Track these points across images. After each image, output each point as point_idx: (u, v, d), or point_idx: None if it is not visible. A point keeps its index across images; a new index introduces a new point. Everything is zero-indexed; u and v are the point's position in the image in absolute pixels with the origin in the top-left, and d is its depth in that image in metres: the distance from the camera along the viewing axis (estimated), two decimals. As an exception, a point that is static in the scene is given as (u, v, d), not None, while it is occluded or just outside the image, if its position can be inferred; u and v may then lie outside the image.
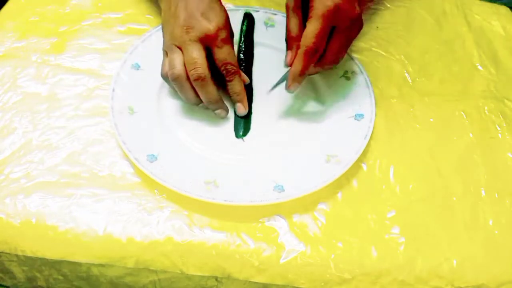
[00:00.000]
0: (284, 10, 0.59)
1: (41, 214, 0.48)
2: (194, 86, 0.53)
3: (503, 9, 0.74)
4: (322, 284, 0.48)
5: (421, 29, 0.70)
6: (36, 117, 0.55)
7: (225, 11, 0.56)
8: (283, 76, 0.56)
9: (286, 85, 0.55)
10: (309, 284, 0.48)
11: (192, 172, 0.51)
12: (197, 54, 0.52)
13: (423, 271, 0.48)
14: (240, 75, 0.55)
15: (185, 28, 0.53)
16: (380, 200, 0.52)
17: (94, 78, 0.59)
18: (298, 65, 0.53)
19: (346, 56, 0.61)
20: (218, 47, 0.53)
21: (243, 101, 0.56)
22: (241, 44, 0.62)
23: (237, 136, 0.55)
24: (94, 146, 0.53)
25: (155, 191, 0.51)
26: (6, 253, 0.48)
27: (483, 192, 0.54)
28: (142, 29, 0.64)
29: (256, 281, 0.48)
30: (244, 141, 0.55)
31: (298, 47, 0.52)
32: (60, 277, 0.50)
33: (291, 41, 0.57)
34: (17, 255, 0.48)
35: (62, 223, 0.48)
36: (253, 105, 0.58)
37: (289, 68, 0.55)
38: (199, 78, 0.52)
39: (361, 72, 0.60)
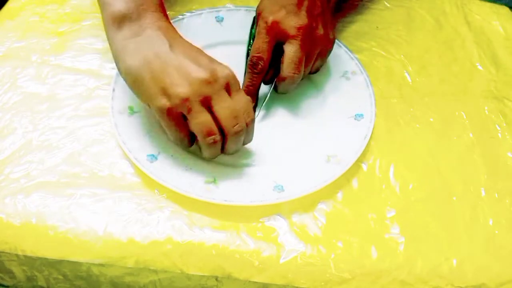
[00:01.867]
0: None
1: (41, 214, 0.48)
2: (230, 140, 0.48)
3: (503, 9, 0.74)
4: (322, 284, 0.48)
5: (421, 29, 0.70)
6: (36, 117, 0.55)
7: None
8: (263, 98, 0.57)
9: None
10: (309, 284, 0.48)
11: (192, 172, 0.51)
12: (207, 119, 0.45)
13: (423, 271, 0.48)
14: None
15: (210, 76, 0.45)
16: (380, 200, 0.52)
17: (94, 78, 0.59)
18: (246, 78, 0.55)
19: (346, 56, 0.61)
20: (237, 92, 0.47)
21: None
22: (249, 48, 0.60)
23: None
24: (94, 146, 0.53)
25: (155, 191, 0.51)
26: (6, 253, 0.48)
27: (483, 192, 0.54)
28: (142, 29, 0.64)
29: (256, 281, 0.48)
30: None
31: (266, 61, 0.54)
32: (60, 277, 0.50)
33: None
34: (17, 255, 0.48)
35: (62, 223, 0.48)
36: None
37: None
38: (213, 143, 0.47)
39: (361, 72, 0.60)
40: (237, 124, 0.46)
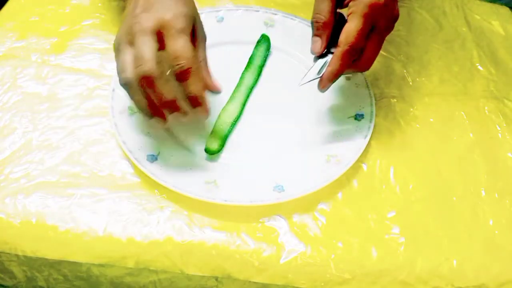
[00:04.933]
0: (284, 10, 0.59)
1: (41, 214, 0.48)
2: (142, 87, 0.44)
3: (503, 9, 0.74)
4: (322, 284, 0.48)
5: (421, 29, 0.70)
6: (36, 117, 0.55)
7: (194, 12, 0.49)
8: (315, 70, 0.51)
9: (318, 84, 0.51)
10: (309, 284, 0.48)
11: (192, 172, 0.51)
12: (146, 48, 0.43)
13: (423, 271, 0.48)
14: (197, 73, 0.45)
15: (137, 18, 0.45)
16: (380, 200, 0.52)
17: (94, 78, 0.59)
18: (336, 65, 0.48)
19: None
20: (171, 37, 0.44)
21: (203, 105, 0.47)
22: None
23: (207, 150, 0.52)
24: (94, 146, 0.53)
25: (155, 191, 0.51)
26: (6, 253, 0.48)
27: (483, 192, 0.54)
28: (142, 29, 0.64)
29: (256, 281, 0.48)
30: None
31: (326, 36, 0.48)
32: (60, 277, 0.50)
33: (319, 27, 0.49)
34: (17, 255, 0.48)
35: (62, 223, 0.48)
36: (253, 105, 0.58)
37: (317, 60, 0.50)
38: (144, 76, 0.43)
39: (361, 72, 0.60)
40: (140, 65, 0.43)
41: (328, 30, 0.49)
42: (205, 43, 0.52)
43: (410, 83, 0.63)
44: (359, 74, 0.60)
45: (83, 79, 0.59)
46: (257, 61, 0.60)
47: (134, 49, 0.44)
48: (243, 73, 0.59)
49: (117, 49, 0.46)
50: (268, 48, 0.62)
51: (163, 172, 0.50)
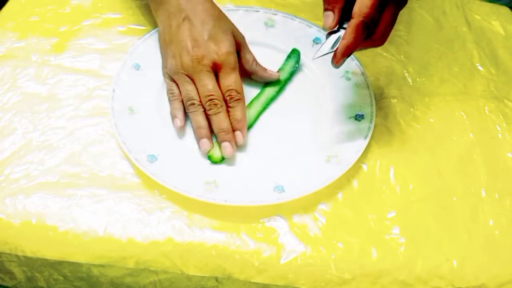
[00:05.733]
0: (284, 10, 0.59)
1: (41, 214, 0.48)
2: (210, 115, 0.53)
3: (503, 9, 0.74)
4: (323, 284, 0.48)
5: (421, 29, 0.70)
6: (36, 117, 0.55)
7: (231, 29, 0.56)
8: (328, 45, 0.49)
9: (332, 60, 0.49)
10: (310, 284, 0.48)
11: (192, 172, 0.51)
12: (211, 85, 0.53)
13: (423, 271, 0.48)
14: (244, 103, 0.55)
15: (195, 57, 0.53)
16: (380, 200, 0.52)
17: (94, 78, 0.59)
18: (350, 38, 0.46)
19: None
20: (225, 73, 0.54)
21: (242, 129, 0.54)
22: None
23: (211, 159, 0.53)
24: (94, 146, 0.53)
25: (155, 191, 0.51)
26: (6, 253, 0.48)
27: (483, 192, 0.54)
28: (142, 29, 0.64)
29: (257, 282, 0.48)
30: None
31: (339, 9, 0.47)
32: (60, 278, 0.50)
33: (331, 1, 0.48)
34: (17, 256, 0.48)
35: (62, 223, 0.48)
36: (253, 105, 0.58)
37: (329, 37, 0.49)
38: (215, 108, 0.53)
39: (361, 72, 0.60)
40: (211, 99, 0.53)
41: (340, 4, 0.48)
42: (246, 44, 0.58)
43: (410, 83, 0.63)
44: (359, 74, 0.60)
45: (83, 79, 0.59)
46: (283, 76, 0.60)
47: (197, 84, 0.54)
48: (265, 86, 0.59)
49: (177, 79, 0.55)
50: (297, 62, 0.61)
51: (163, 172, 0.50)
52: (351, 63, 0.61)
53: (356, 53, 0.63)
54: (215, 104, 0.53)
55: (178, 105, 0.54)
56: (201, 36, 0.54)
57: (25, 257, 0.48)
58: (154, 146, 0.52)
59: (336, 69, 0.60)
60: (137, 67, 0.58)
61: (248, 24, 0.64)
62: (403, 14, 0.70)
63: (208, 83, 0.53)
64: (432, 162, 0.56)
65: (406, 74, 0.63)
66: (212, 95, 0.53)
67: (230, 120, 0.54)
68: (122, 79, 0.56)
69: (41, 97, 0.57)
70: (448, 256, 0.49)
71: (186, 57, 0.53)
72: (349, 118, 0.56)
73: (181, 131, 0.54)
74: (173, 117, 0.54)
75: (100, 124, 0.55)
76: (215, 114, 0.53)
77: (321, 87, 0.60)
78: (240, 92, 0.54)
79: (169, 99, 0.55)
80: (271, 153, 0.54)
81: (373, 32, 0.48)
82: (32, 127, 0.54)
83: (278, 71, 0.60)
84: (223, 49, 0.54)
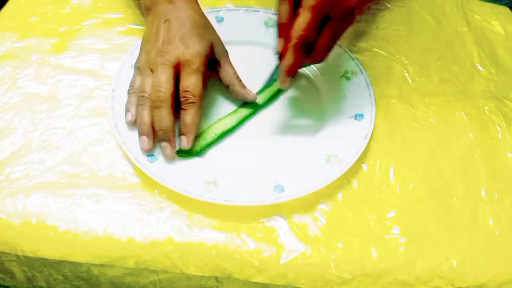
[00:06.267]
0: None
1: (41, 214, 0.48)
2: (152, 108, 0.51)
3: (503, 9, 0.74)
4: (323, 284, 0.48)
5: (421, 29, 0.70)
6: (36, 117, 0.55)
7: (210, 39, 0.55)
8: (270, 76, 0.54)
9: (278, 81, 0.53)
10: (310, 284, 0.48)
11: (192, 172, 0.51)
12: (164, 78, 0.51)
13: (423, 271, 0.48)
14: (198, 107, 0.52)
15: (160, 51, 0.52)
16: (380, 200, 0.52)
17: (94, 78, 0.59)
18: (289, 59, 0.50)
19: (346, 56, 0.61)
20: (186, 74, 0.52)
21: (188, 134, 0.51)
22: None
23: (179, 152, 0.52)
24: (94, 146, 0.53)
25: (155, 191, 0.51)
26: (6, 253, 0.48)
27: (483, 192, 0.54)
28: (142, 30, 0.64)
29: (256, 281, 0.48)
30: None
31: (288, 36, 0.50)
32: (60, 277, 0.50)
33: (282, 29, 0.52)
34: (17, 255, 0.48)
35: (62, 223, 0.48)
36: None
37: (276, 65, 0.52)
38: (158, 100, 0.51)
39: (361, 72, 0.60)
40: (158, 91, 0.51)
41: (288, 31, 0.50)
42: (228, 58, 0.57)
43: (410, 83, 0.63)
44: (359, 74, 0.60)
45: (83, 79, 0.59)
46: (260, 99, 0.58)
47: (153, 76, 0.52)
48: (258, 92, 0.58)
49: (140, 71, 0.54)
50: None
51: (163, 172, 0.50)
52: (351, 62, 0.61)
53: (356, 53, 0.63)
54: (159, 98, 0.50)
55: (134, 99, 0.53)
56: (174, 36, 0.53)
57: (25, 256, 0.48)
58: (154, 146, 0.52)
59: (336, 69, 0.60)
60: (137, 67, 0.58)
61: (248, 24, 0.64)
62: (403, 14, 0.71)
63: (161, 75, 0.51)
64: (432, 162, 0.55)
65: (406, 74, 0.63)
66: (160, 87, 0.51)
67: (181, 123, 0.52)
68: (122, 79, 0.56)
69: (41, 97, 0.57)
70: (448, 255, 0.49)
71: (153, 52, 0.53)
72: (349, 118, 0.56)
73: (131, 125, 0.53)
74: (126, 110, 0.53)
75: (100, 124, 0.55)
76: (157, 108, 0.51)
77: (321, 87, 0.60)
78: (197, 96, 0.51)
79: (128, 91, 0.54)
80: (271, 152, 0.54)
81: (314, 49, 0.50)
82: (32, 127, 0.54)
83: (257, 93, 0.58)
84: (190, 50, 0.52)
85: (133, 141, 0.52)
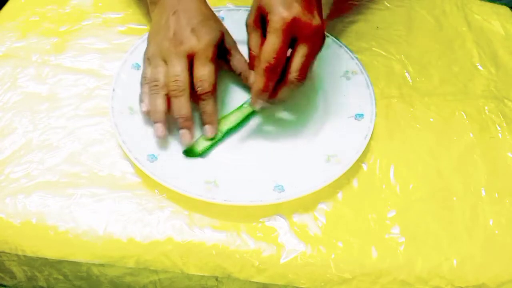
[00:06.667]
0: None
1: (41, 214, 0.48)
2: (171, 97, 0.52)
3: (503, 9, 0.74)
4: (323, 284, 0.48)
5: (421, 29, 0.70)
6: (36, 117, 0.55)
7: (219, 29, 0.55)
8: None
9: (250, 103, 0.54)
10: (310, 284, 0.48)
11: (192, 172, 0.51)
12: (180, 68, 0.52)
13: (423, 271, 0.48)
14: (215, 96, 0.53)
15: (173, 42, 0.53)
16: (380, 200, 0.52)
17: (94, 78, 0.59)
18: (260, 82, 0.50)
19: (346, 56, 0.61)
20: (200, 64, 0.52)
21: (212, 123, 0.53)
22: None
23: (192, 153, 0.53)
24: (94, 146, 0.53)
25: (155, 191, 0.51)
26: (6, 253, 0.48)
27: (483, 192, 0.54)
28: (142, 29, 0.64)
29: (256, 281, 0.48)
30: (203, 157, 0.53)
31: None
32: (61, 277, 0.50)
33: (253, 60, 0.53)
34: (17, 255, 0.48)
35: (62, 223, 0.48)
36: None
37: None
38: (177, 90, 0.51)
39: (361, 72, 0.60)
40: (175, 80, 0.51)
41: None
42: (237, 47, 0.58)
43: (410, 83, 0.63)
44: (359, 74, 0.60)
45: (83, 79, 0.59)
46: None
47: (168, 66, 0.52)
48: None
49: (151, 62, 0.54)
50: None
51: (163, 172, 0.50)
52: (351, 62, 0.61)
53: (356, 53, 0.63)
54: (178, 87, 0.51)
55: (147, 89, 0.53)
56: (185, 28, 0.53)
57: (25, 256, 0.48)
58: (154, 145, 0.52)
59: (336, 69, 0.60)
60: (137, 67, 0.58)
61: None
62: (403, 14, 0.71)
63: (177, 65, 0.52)
64: (432, 162, 0.56)
65: (406, 74, 0.64)
66: (177, 77, 0.51)
67: (200, 113, 0.53)
68: (122, 79, 0.56)
69: (41, 97, 0.57)
70: (448, 255, 0.49)
71: (166, 43, 0.53)
72: (349, 117, 0.56)
73: (146, 116, 0.53)
74: (140, 101, 0.54)
75: (100, 124, 0.55)
76: (176, 97, 0.51)
77: (321, 87, 0.60)
78: (212, 85, 0.52)
79: (140, 82, 0.54)
80: (271, 152, 0.54)
81: (287, 73, 0.50)
82: (32, 126, 0.54)
83: None
84: (203, 41, 0.52)
85: (133, 141, 0.52)
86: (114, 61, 0.60)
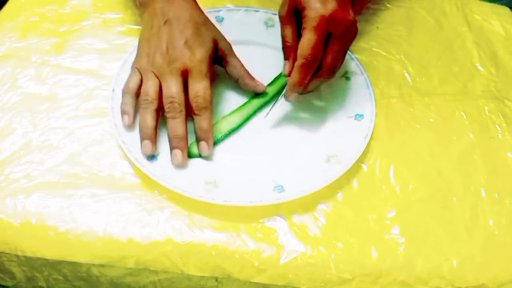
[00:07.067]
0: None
1: (41, 214, 0.48)
2: (167, 118, 0.51)
3: (503, 9, 0.74)
4: (322, 284, 0.48)
5: (421, 29, 0.70)
6: (36, 117, 0.55)
7: (213, 37, 0.55)
8: (275, 96, 0.57)
9: (284, 94, 0.54)
10: (309, 284, 0.48)
11: (192, 172, 0.51)
12: (176, 89, 0.51)
13: (423, 271, 0.48)
14: (211, 111, 0.53)
15: (167, 59, 0.52)
16: (380, 200, 0.52)
17: (94, 78, 0.59)
18: (296, 77, 0.51)
19: (346, 56, 0.61)
20: (194, 80, 0.52)
21: (208, 140, 0.52)
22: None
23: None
24: (94, 146, 0.53)
25: (155, 191, 0.51)
26: (6, 253, 0.48)
27: (483, 192, 0.54)
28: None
29: (256, 282, 0.48)
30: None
31: (295, 57, 0.51)
32: (60, 278, 0.50)
33: (288, 51, 0.54)
34: (17, 255, 0.48)
35: (62, 223, 0.48)
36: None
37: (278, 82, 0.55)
38: (174, 111, 0.51)
39: (361, 72, 0.60)
40: (172, 101, 0.51)
41: (294, 52, 0.52)
42: (233, 52, 0.58)
43: (410, 83, 0.63)
44: (359, 74, 0.60)
45: (83, 79, 0.59)
46: (281, 82, 0.59)
47: (162, 85, 0.52)
48: (252, 98, 0.58)
49: (142, 74, 0.53)
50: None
51: (163, 172, 0.50)
52: (351, 62, 0.61)
53: (356, 53, 0.63)
54: (175, 108, 0.51)
55: (129, 100, 0.53)
56: (178, 41, 0.53)
57: (25, 257, 0.48)
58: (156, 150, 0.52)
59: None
60: (137, 67, 0.58)
61: (248, 24, 0.64)
62: (403, 14, 0.71)
63: (173, 85, 0.51)
64: (432, 162, 0.55)
65: (406, 74, 0.63)
66: (173, 98, 0.51)
67: (195, 128, 0.52)
68: (122, 79, 0.56)
69: (41, 97, 0.57)
70: (448, 256, 0.49)
71: (159, 57, 0.53)
72: (349, 117, 0.56)
73: (130, 127, 0.53)
74: (122, 112, 0.53)
75: (100, 124, 0.55)
76: (173, 118, 0.51)
77: (321, 87, 0.60)
78: (207, 100, 0.52)
79: (122, 91, 0.54)
80: (271, 153, 0.54)
81: (321, 67, 0.52)
82: (32, 127, 0.54)
83: (267, 86, 0.58)
84: (197, 56, 0.52)
85: (133, 141, 0.52)
86: (114, 61, 0.60)
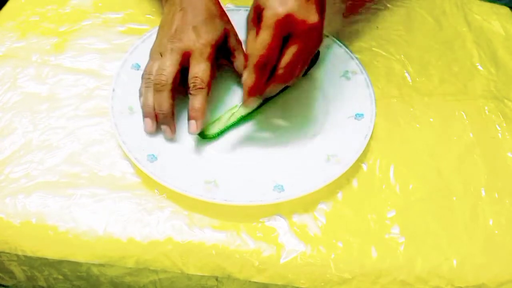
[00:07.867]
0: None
1: (41, 214, 0.48)
2: (154, 90, 0.52)
3: (503, 9, 0.74)
4: (322, 284, 0.48)
5: (421, 29, 0.70)
6: (36, 117, 0.55)
7: (223, 29, 0.55)
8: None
9: (242, 101, 0.52)
10: (309, 284, 0.48)
11: (192, 172, 0.51)
12: (169, 63, 0.52)
13: (423, 271, 0.48)
14: (206, 93, 0.52)
15: (171, 38, 0.53)
16: (380, 200, 0.52)
17: (94, 78, 0.59)
18: (250, 79, 0.49)
19: (346, 56, 0.61)
20: (196, 61, 0.52)
21: (197, 119, 0.51)
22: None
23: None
24: (94, 146, 0.53)
25: (155, 191, 0.51)
26: (6, 253, 0.48)
27: (483, 192, 0.54)
28: (142, 29, 0.64)
29: (256, 281, 0.48)
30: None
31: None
32: (60, 277, 0.50)
33: (246, 59, 0.50)
34: (17, 255, 0.48)
35: (62, 223, 0.48)
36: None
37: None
38: (159, 84, 0.51)
39: (361, 72, 0.60)
40: (159, 74, 0.52)
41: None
42: (242, 48, 0.57)
43: (410, 83, 0.63)
44: (359, 74, 0.60)
45: (83, 79, 0.59)
46: None
47: (161, 61, 0.53)
48: None
49: (151, 56, 0.55)
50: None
51: (163, 172, 0.50)
52: (351, 62, 0.61)
53: (356, 53, 0.63)
54: (161, 81, 0.51)
55: (143, 83, 0.54)
56: (187, 25, 0.54)
57: (25, 256, 0.48)
58: (154, 145, 0.52)
59: (336, 69, 0.60)
60: (137, 67, 0.58)
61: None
62: (403, 14, 0.71)
63: (167, 60, 0.52)
64: (432, 162, 0.55)
65: (406, 74, 0.64)
66: (163, 71, 0.52)
67: (188, 108, 0.52)
68: (122, 79, 0.56)
69: (41, 97, 0.57)
70: (448, 255, 0.49)
71: (165, 38, 0.54)
72: (349, 117, 0.56)
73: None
74: (140, 95, 0.54)
75: (100, 124, 0.55)
76: (157, 91, 0.52)
77: (321, 87, 0.60)
78: (205, 82, 0.51)
79: (141, 76, 0.55)
80: (271, 152, 0.54)
81: (276, 70, 0.49)
82: (32, 127, 0.54)
83: None
84: (201, 40, 0.53)
85: (133, 141, 0.52)
86: (114, 61, 0.60)
